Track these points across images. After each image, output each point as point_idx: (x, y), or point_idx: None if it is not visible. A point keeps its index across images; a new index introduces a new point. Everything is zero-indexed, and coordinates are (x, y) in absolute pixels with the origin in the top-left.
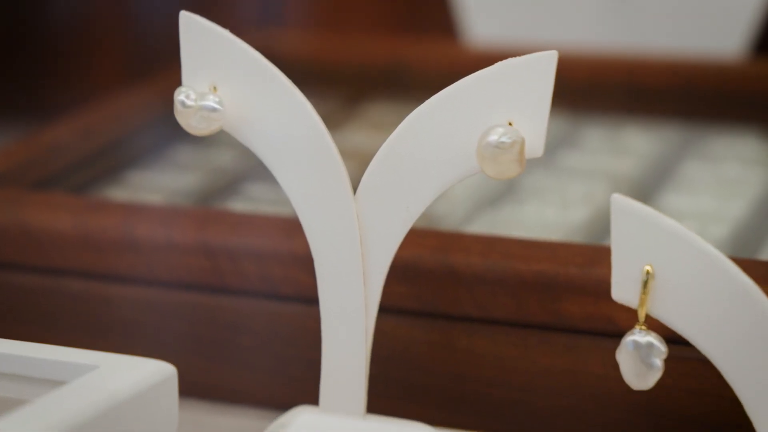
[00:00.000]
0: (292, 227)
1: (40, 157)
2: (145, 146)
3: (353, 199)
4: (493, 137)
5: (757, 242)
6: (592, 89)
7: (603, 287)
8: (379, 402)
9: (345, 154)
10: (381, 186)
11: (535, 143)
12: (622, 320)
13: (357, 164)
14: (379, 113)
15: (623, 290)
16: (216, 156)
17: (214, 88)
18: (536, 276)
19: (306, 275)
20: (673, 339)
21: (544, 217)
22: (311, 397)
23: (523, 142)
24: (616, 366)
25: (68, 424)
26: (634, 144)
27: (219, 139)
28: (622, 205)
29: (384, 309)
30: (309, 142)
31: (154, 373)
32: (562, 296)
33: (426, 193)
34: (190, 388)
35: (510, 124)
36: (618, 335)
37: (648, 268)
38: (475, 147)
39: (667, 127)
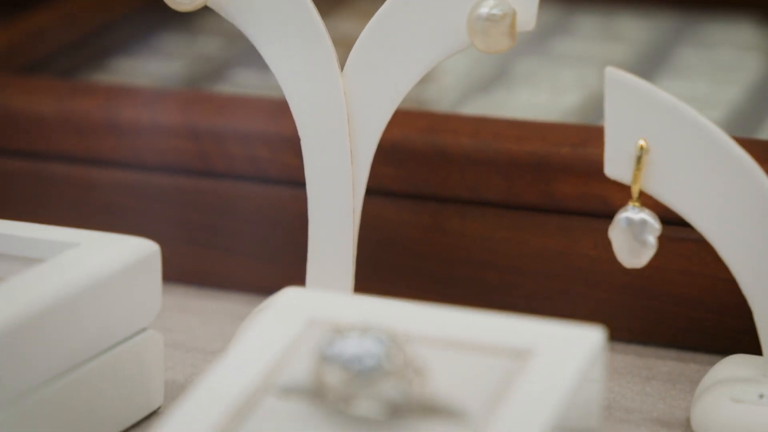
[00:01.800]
0: (279, 109)
1: (23, 43)
2: (130, 34)
3: (340, 75)
4: (484, 9)
5: (753, 126)
6: None
7: (596, 167)
8: (368, 285)
9: (333, 41)
10: (368, 62)
11: (527, 15)
12: (616, 200)
13: (345, 51)
14: (367, 1)
15: (616, 166)
16: (202, 44)
17: None
18: (528, 156)
19: (293, 157)
20: (666, 220)
21: (536, 102)
22: (298, 282)
23: (514, 14)
24: (608, 247)
25: (47, 301)
26: (628, 30)
27: (205, 26)
28: (616, 78)
29: (373, 191)
30: (295, 16)
31: (137, 250)
32: (555, 176)
33: (414, 70)
34: (176, 273)
35: None
36: (611, 216)
37: (642, 142)
38: (465, 20)
39: (661, 13)
